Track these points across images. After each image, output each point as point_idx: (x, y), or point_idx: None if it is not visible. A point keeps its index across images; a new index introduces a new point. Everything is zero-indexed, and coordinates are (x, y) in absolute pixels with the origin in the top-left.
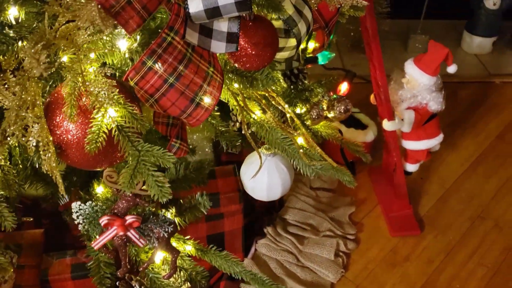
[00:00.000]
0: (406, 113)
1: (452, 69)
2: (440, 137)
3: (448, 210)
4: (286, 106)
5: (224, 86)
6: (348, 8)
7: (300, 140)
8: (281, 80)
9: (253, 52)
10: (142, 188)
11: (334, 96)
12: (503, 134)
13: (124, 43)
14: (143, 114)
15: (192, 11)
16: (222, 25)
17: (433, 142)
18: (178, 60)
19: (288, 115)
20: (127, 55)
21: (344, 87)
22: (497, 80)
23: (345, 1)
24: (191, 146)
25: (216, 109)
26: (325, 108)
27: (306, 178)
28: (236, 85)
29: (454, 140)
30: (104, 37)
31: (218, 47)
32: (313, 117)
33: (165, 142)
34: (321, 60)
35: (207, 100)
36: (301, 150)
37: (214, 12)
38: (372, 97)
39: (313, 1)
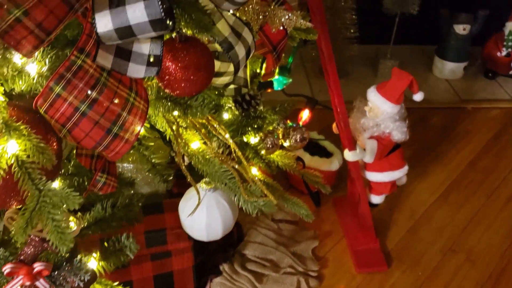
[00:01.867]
0: (368, 142)
1: (418, 97)
2: (404, 169)
3: (418, 242)
4: (227, 136)
5: (159, 113)
6: (299, 32)
7: (254, 171)
8: (232, 107)
9: (183, 77)
10: None
11: (290, 124)
12: (475, 161)
13: (33, 67)
14: None
15: (100, 31)
16: (144, 47)
17: (397, 174)
18: (90, 86)
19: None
20: (36, 80)
21: (305, 115)
22: (468, 106)
23: (287, 23)
24: (132, 178)
25: (153, 137)
26: (280, 137)
27: None
28: (176, 113)
29: (425, 168)
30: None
31: (136, 71)
32: (268, 146)
33: None
34: (276, 86)
35: (127, 131)
36: (241, 185)
37: (126, 32)
38: (334, 125)
39: (256, 23)
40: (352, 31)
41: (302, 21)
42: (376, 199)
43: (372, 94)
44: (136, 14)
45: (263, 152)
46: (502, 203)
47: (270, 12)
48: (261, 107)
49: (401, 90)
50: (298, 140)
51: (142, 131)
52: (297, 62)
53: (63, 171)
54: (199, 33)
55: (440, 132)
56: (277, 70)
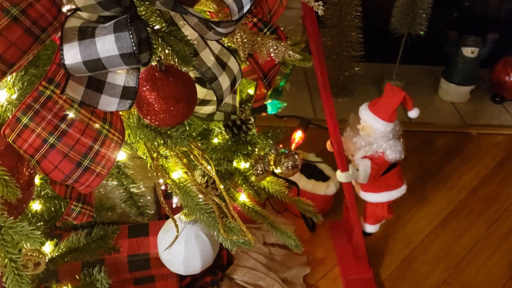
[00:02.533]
0: (361, 162)
1: (413, 113)
2: (402, 189)
3: (412, 273)
4: (210, 167)
5: (140, 141)
6: (292, 59)
7: (243, 197)
8: (223, 131)
9: (162, 108)
10: None
11: (282, 150)
12: (477, 189)
13: (3, 94)
14: None
15: (68, 63)
16: (118, 78)
17: (394, 194)
18: (59, 118)
19: (217, 177)
20: (5, 108)
21: (298, 136)
22: (473, 131)
23: (276, 54)
24: (113, 204)
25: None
26: (271, 163)
27: (259, 233)
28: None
29: (425, 194)
30: None
31: (109, 104)
32: (258, 172)
33: None
34: (270, 110)
35: (98, 164)
36: (220, 221)
37: (95, 65)
38: (328, 143)
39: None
40: (357, 49)
41: (290, 52)
42: (371, 228)
43: (364, 112)
44: (106, 47)
45: (252, 178)
46: (503, 235)
47: (259, 42)
48: (254, 131)
49: (393, 107)
50: (289, 167)
51: (124, 159)
52: (300, 79)
53: (43, 193)
54: (179, 64)
55: (443, 157)
56: (268, 94)
